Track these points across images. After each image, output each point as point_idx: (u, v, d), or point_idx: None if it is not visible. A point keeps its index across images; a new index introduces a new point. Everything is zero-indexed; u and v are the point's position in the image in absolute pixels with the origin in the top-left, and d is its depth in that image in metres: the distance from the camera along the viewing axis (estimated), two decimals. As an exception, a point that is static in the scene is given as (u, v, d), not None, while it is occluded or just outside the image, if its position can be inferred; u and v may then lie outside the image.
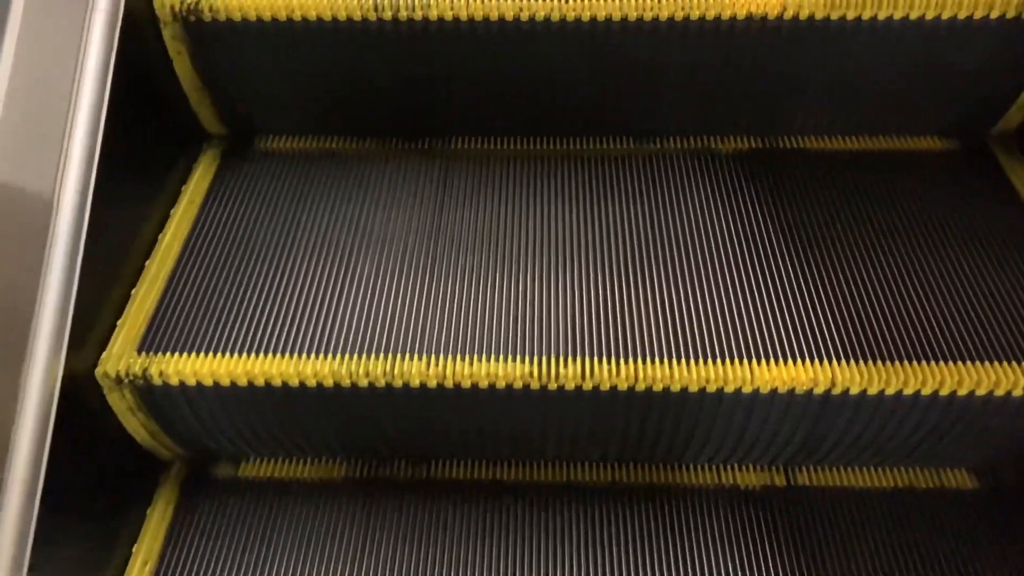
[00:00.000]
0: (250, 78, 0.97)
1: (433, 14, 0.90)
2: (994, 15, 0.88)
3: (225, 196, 0.98)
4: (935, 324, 0.81)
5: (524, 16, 0.89)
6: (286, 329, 0.83)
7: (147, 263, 0.90)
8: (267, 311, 0.85)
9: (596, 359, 0.80)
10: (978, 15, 0.88)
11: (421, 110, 1.00)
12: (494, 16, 0.89)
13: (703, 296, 0.85)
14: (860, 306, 0.83)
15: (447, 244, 0.92)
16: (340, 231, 0.93)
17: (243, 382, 0.80)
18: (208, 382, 0.81)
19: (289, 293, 0.87)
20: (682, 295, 0.85)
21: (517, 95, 0.97)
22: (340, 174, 1.00)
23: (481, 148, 1.03)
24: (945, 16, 0.88)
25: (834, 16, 0.88)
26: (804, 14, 0.88)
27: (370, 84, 0.97)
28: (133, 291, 0.87)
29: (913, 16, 0.88)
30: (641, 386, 0.79)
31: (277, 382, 0.80)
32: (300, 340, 0.82)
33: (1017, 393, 0.77)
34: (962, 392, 0.77)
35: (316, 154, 1.03)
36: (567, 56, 0.93)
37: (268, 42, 0.93)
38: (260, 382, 0.80)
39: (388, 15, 0.90)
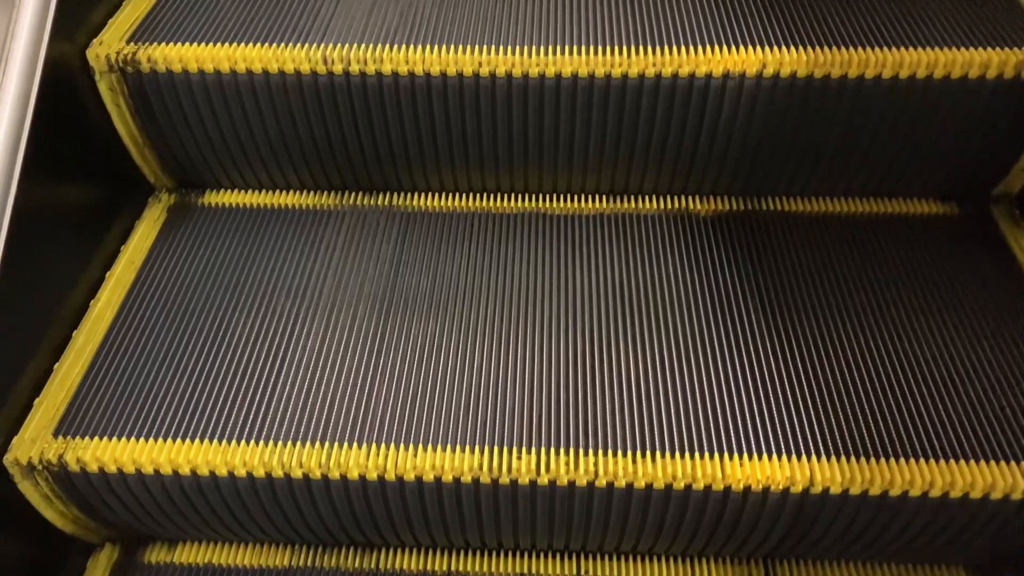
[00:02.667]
0: (194, 131, 0.90)
1: (387, 68, 0.84)
2: (991, 75, 0.81)
3: (167, 257, 0.91)
4: (926, 417, 0.74)
5: (484, 72, 0.83)
6: (216, 411, 0.76)
7: (74, 333, 0.84)
8: (198, 390, 0.78)
9: (554, 450, 0.73)
10: (973, 75, 0.82)
11: (378, 165, 0.93)
12: (452, 71, 0.83)
13: (673, 380, 0.78)
14: (844, 395, 0.76)
15: (399, 313, 0.85)
16: (286, 298, 0.87)
17: (167, 470, 0.74)
18: (130, 469, 0.74)
19: (224, 370, 0.80)
20: (650, 378, 0.78)
21: (478, 152, 0.91)
22: (291, 233, 0.94)
23: (443, 205, 0.97)
24: (938, 76, 0.82)
25: (818, 75, 0.82)
26: (786, 72, 0.82)
27: (323, 138, 0.90)
28: (56, 365, 0.81)
29: (903, 76, 0.82)
30: (602, 482, 0.72)
31: (204, 471, 0.74)
32: (231, 424, 0.76)
33: (1016, 497, 0.70)
34: (955, 495, 0.70)
35: (268, 210, 0.97)
36: (531, 113, 0.86)
37: (212, 95, 0.87)
38: (185, 471, 0.74)
39: (339, 69, 0.84)
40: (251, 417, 0.76)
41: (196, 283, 0.88)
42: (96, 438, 0.75)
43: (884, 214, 0.95)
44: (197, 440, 0.75)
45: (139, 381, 0.79)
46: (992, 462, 0.71)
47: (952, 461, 0.71)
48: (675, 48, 0.83)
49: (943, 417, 0.74)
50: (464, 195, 0.98)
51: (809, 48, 0.83)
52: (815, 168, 0.91)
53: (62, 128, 0.83)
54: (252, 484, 0.74)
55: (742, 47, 0.83)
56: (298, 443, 0.74)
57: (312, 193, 0.99)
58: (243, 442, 0.74)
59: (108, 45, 0.86)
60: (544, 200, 0.97)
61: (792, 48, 0.83)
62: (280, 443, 0.74)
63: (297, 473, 0.73)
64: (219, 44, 0.85)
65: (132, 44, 0.86)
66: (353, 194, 0.98)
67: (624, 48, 0.83)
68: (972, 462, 0.71)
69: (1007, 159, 0.90)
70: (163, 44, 0.86)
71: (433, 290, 0.87)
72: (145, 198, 0.99)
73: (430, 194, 0.98)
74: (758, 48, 0.82)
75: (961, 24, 0.86)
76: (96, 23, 0.88)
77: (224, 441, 0.74)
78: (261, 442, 0.74)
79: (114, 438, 0.75)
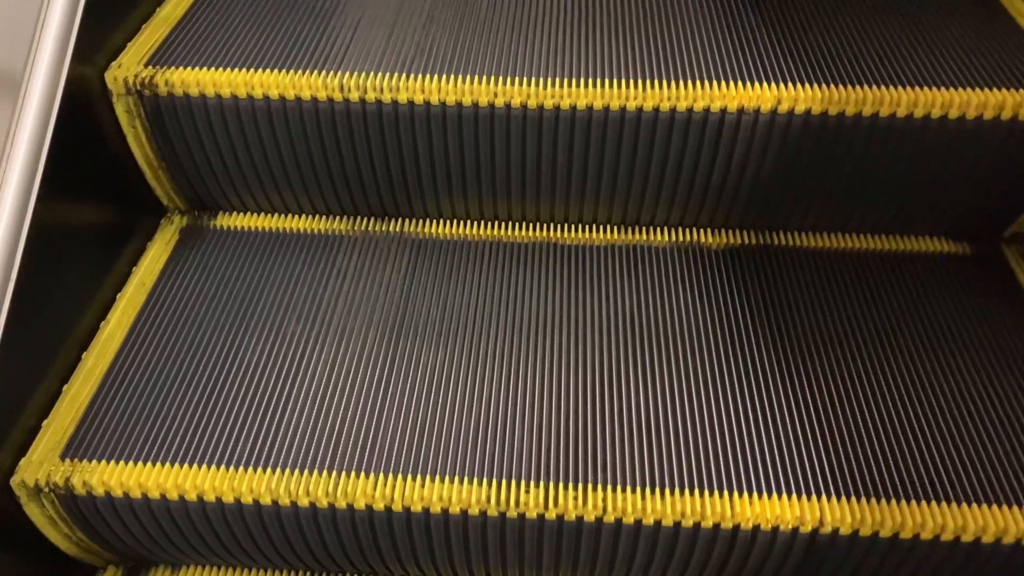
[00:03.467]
0: (209, 155, 0.91)
1: (403, 97, 0.84)
2: (1005, 116, 0.82)
3: (178, 279, 0.92)
4: (937, 458, 0.74)
5: (499, 102, 0.84)
6: (224, 437, 0.76)
7: (84, 355, 0.84)
8: (206, 415, 0.78)
9: (563, 484, 0.73)
10: (988, 116, 0.82)
11: (391, 192, 0.94)
12: (468, 102, 0.84)
13: (683, 415, 0.77)
14: (854, 434, 0.76)
15: (409, 341, 0.85)
16: (296, 323, 0.87)
17: (174, 496, 0.73)
18: (136, 494, 0.74)
19: (233, 395, 0.80)
20: (660, 413, 0.78)
21: (491, 181, 0.91)
22: (303, 258, 0.94)
23: (454, 233, 0.97)
24: (952, 116, 0.82)
25: (832, 112, 0.82)
26: (800, 109, 0.82)
27: (336, 165, 0.91)
28: (65, 387, 0.81)
29: (918, 115, 0.82)
30: (610, 518, 0.71)
31: (210, 497, 0.73)
32: (238, 450, 0.75)
33: (1028, 542, 0.69)
34: (966, 539, 0.70)
35: (280, 235, 0.97)
36: (545, 144, 0.86)
37: (228, 119, 0.87)
38: (192, 496, 0.73)
39: (355, 96, 0.84)
40: (259, 443, 0.76)
41: (207, 306, 0.88)
42: (103, 461, 0.75)
43: (896, 251, 0.94)
44: (204, 466, 0.74)
45: (147, 404, 0.79)
46: (1004, 506, 0.70)
47: (964, 504, 0.71)
48: (691, 82, 0.83)
49: (954, 459, 0.74)
50: (475, 223, 0.98)
51: (825, 85, 0.83)
52: (827, 204, 0.91)
53: (79, 149, 0.83)
54: (258, 512, 0.74)
55: (758, 83, 0.83)
56: (305, 471, 0.74)
57: (324, 218, 0.99)
58: (250, 469, 0.74)
59: (127, 68, 0.86)
60: (555, 230, 0.97)
61: (808, 85, 0.83)
62: (287, 471, 0.74)
63: (304, 502, 0.73)
64: (236, 69, 0.86)
65: (150, 67, 0.86)
66: (365, 220, 0.99)
67: (640, 82, 0.83)
68: (984, 506, 0.70)
69: (1019, 200, 0.90)
70: (181, 68, 0.86)
71: (443, 318, 0.87)
72: (158, 220, 0.99)
73: (442, 221, 0.98)
74: (774, 84, 0.83)
75: (976, 64, 0.86)
76: (115, 46, 0.89)
77: (231, 467, 0.74)
78: (268, 469, 0.74)
79: (121, 462, 0.75)
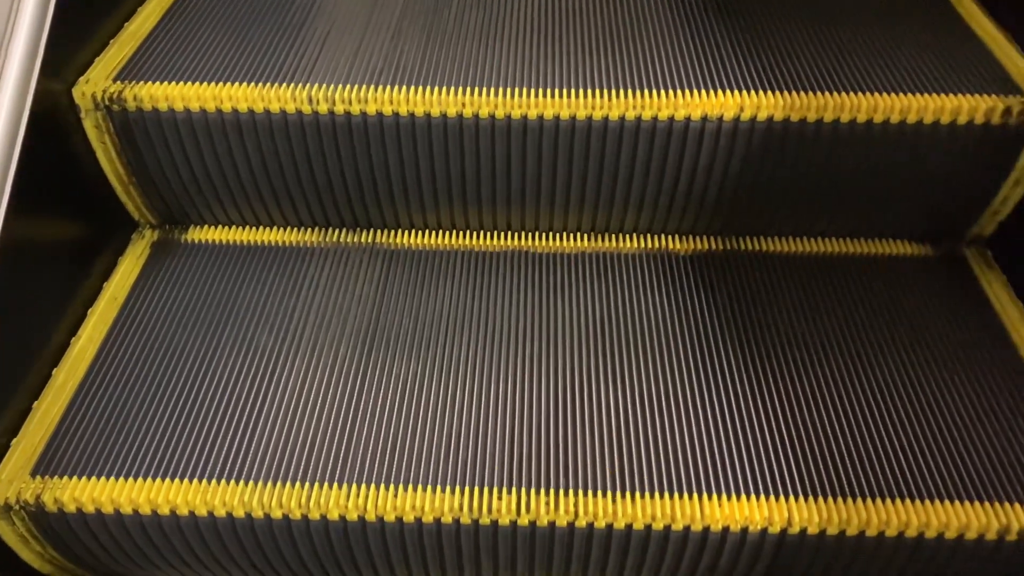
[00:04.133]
0: (180, 169, 0.91)
1: (371, 109, 0.85)
2: (962, 121, 0.83)
3: (150, 293, 0.92)
4: (901, 456, 0.75)
5: (468, 113, 0.84)
6: (196, 450, 0.76)
7: (55, 371, 0.83)
8: (178, 429, 0.78)
9: (534, 490, 0.73)
10: (945, 120, 0.83)
11: (361, 203, 0.94)
12: (436, 113, 0.84)
13: (652, 419, 0.78)
14: (821, 434, 0.77)
15: (381, 352, 0.85)
16: (268, 336, 0.87)
17: (146, 510, 0.73)
18: (108, 510, 0.74)
19: (204, 408, 0.80)
20: (630, 417, 0.79)
21: (461, 190, 0.92)
22: (275, 270, 0.94)
23: (426, 243, 0.97)
24: (911, 121, 0.84)
25: (795, 119, 0.83)
26: (763, 116, 0.83)
27: (307, 177, 0.91)
28: (35, 404, 0.80)
29: (878, 120, 0.83)
30: (582, 522, 0.72)
31: (183, 511, 0.73)
32: (211, 463, 0.75)
33: (990, 537, 0.71)
34: (930, 535, 0.71)
35: (252, 247, 0.97)
36: (513, 154, 0.87)
37: (197, 133, 0.87)
38: (164, 510, 0.73)
39: (324, 108, 0.85)
40: (231, 456, 0.76)
41: (178, 320, 0.89)
42: (75, 478, 0.75)
43: (860, 255, 0.96)
44: (176, 479, 0.74)
45: (119, 419, 0.79)
46: (967, 502, 0.72)
47: (927, 501, 0.72)
48: (655, 91, 0.84)
49: (918, 457, 0.75)
50: (447, 233, 0.99)
51: (787, 92, 0.84)
52: (792, 209, 0.93)
53: (48, 165, 0.83)
54: (231, 524, 0.74)
55: (721, 91, 0.84)
56: (278, 483, 0.74)
57: (295, 230, 0.99)
58: (223, 481, 0.74)
59: (95, 84, 0.86)
60: (526, 238, 0.98)
61: (770, 92, 0.84)
62: (260, 483, 0.74)
63: (277, 513, 0.73)
64: (205, 83, 0.86)
65: (118, 83, 0.87)
66: (336, 231, 0.99)
67: (606, 91, 0.84)
68: (947, 502, 0.72)
69: (979, 203, 0.92)
70: (149, 83, 0.86)
71: (415, 329, 0.88)
72: (129, 234, 0.99)
73: (413, 232, 0.99)
74: (736, 92, 0.84)
75: (934, 70, 0.88)
76: (83, 62, 0.89)
77: (204, 480, 0.74)
78: (241, 482, 0.74)
79: (92, 477, 0.75)
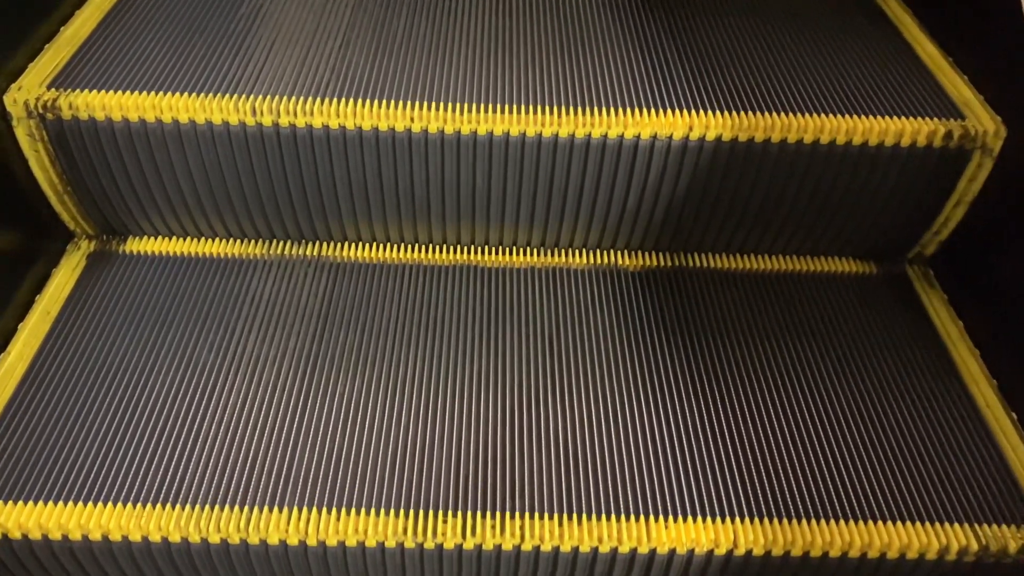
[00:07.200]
0: (118, 179, 0.88)
1: (317, 122, 0.83)
2: (905, 143, 0.85)
3: (84, 307, 0.88)
4: (845, 478, 0.76)
5: (416, 128, 0.83)
6: (130, 473, 0.74)
7: (-19, 390, 0.80)
8: (112, 451, 0.75)
9: (480, 513, 0.72)
10: (889, 142, 0.85)
11: (307, 216, 0.92)
12: (384, 127, 0.83)
13: (599, 440, 0.78)
14: (766, 455, 0.77)
15: (325, 370, 0.83)
16: (208, 352, 0.84)
17: (76, 536, 0.71)
18: (36, 535, 0.71)
19: (140, 429, 0.77)
20: (577, 438, 0.78)
21: (410, 205, 0.90)
22: (217, 284, 0.92)
23: (373, 256, 0.96)
24: (856, 142, 0.85)
25: (742, 138, 0.84)
26: (711, 136, 0.84)
27: (251, 189, 0.89)
28: (-40, 424, 0.77)
29: (824, 141, 0.84)
30: (528, 545, 0.71)
31: (116, 536, 0.71)
32: (145, 487, 0.73)
33: (931, 556, 0.72)
34: (872, 555, 0.72)
35: (193, 259, 0.95)
36: (462, 169, 0.86)
37: (137, 144, 0.85)
38: (96, 536, 0.71)
39: (268, 120, 0.83)
40: (167, 479, 0.73)
41: (114, 336, 0.86)
42: (1, 502, 0.72)
43: (807, 272, 0.97)
44: (110, 504, 0.72)
45: (49, 440, 0.76)
46: (908, 523, 0.73)
47: (870, 522, 0.73)
48: (605, 110, 0.84)
49: (861, 477, 0.76)
50: (394, 246, 0.97)
51: (735, 112, 0.85)
52: (740, 227, 0.93)
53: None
54: (168, 549, 0.72)
55: (670, 110, 0.84)
56: (216, 507, 0.72)
57: (238, 242, 0.97)
58: (158, 505, 0.72)
59: (27, 90, 0.83)
60: (475, 252, 0.97)
61: (718, 112, 0.85)
62: (197, 507, 0.71)
63: (215, 538, 0.71)
64: (145, 92, 0.84)
65: (53, 90, 0.84)
66: (281, 243, 0.97)
67: (556, 108, 0.84)
68: (890, 523, 0.72)
69: (921, 223, 0.94)
70: (86, 91, 0.84)
71: (360, 345, 0.86)
72: (63, 245, 0.96)
73: (360, 244, 0.97)
74: (685, 112, 0.84)
75: (880, 94, 0.89)
76: (16, 67, 0.86)
77: (138, 504, 0.72)
78: (177, 506, 0.72)
79: (19, 502, 0.72)
